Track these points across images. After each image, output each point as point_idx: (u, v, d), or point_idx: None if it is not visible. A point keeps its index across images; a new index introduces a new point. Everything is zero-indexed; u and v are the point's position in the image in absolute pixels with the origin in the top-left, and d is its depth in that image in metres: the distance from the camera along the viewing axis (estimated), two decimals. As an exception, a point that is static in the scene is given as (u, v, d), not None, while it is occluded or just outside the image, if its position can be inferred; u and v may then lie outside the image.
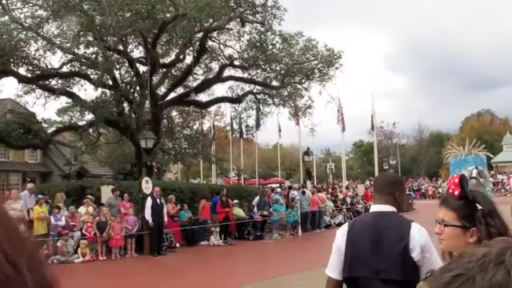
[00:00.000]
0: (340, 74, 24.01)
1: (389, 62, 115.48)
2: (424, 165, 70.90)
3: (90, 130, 23.57)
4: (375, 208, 3.13)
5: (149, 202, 15.36)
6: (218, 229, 17.80)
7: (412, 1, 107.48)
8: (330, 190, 28.31)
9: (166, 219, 15.82)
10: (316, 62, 23.49)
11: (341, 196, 27.15)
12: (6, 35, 18.25)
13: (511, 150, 62.23)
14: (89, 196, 15.82)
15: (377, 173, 35.99)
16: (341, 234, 3.09)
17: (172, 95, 24.02)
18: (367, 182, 35.50)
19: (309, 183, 29.41)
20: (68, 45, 20.26)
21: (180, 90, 24.55)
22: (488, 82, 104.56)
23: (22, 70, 20.91)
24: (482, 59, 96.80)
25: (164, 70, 23.33)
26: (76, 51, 20.33)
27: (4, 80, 21.05)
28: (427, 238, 2.88)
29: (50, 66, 21.29)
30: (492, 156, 36.43)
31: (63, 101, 23.22)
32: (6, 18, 19.11)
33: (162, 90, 23.93)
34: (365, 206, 25.30)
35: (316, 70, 23.67)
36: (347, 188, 33.96)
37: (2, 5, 19.36)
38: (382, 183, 3.23)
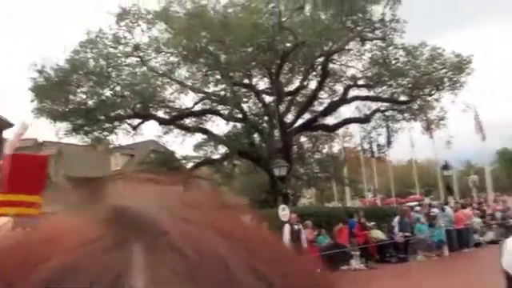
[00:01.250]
0: (473, 79, 22.55)
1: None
2: None
3: (225, 163, 24.69)
4: None
5: (287, 228, 15.53)
6: (358, 252, 17.38)
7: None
8: (475, 205, 26.30)
9: (305, 245, 15.85)
10: (445, 70, 22.37)
11: (489, 211, 25.04)
12: (145, 84, 20.07)
13: None
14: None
15: (528, 182, 32.79)
16: None
17: (299, 121, 24.34)
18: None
19: (451, 199, 27.72)
20: (198, 85, 21.73)
21: (307, 116, 24.78)
22: None
23: (160, 113, 22.80)
24: None
25: (289, 97, 23.79)
26: (206, 90, 21.71)
27: (146, 123, 23.05)
28: None
29: (184, 107, 22.89)
30: None
31: (198, 137, 24.72)
32: (144, 68, 21.07)
33: (289, 117, 24.36)
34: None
35: (445, 79, 22.53)
36: (495, 201, 31.28)
37: (139, 57, 21.40)
38: None
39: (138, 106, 21.08)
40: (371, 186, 40.25)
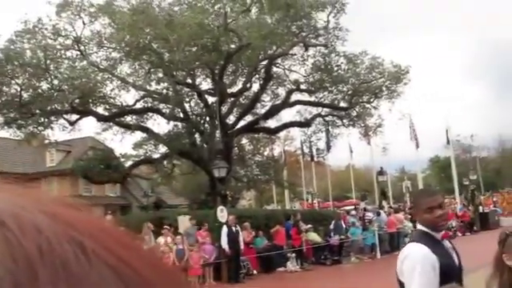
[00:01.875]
0: (409, 89, 23.46)
1: (464, 71, 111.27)
2: (509, 177, 66.94)
3: (165, 162, 24.40)
4: None
5: (224, 230, 15.57)
6: (294, 254, 17.67)
7: (488, 6, 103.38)
8: (407, 210, 27.39)
9: (242, 246, 15.94)
10: (383, 79, 23.12)
11: (420, 215, 26.16)
12: (85, 78, 19.48)
13: None
14: (166, 227, 16.24)
15: (456, 189, 34.54)
16: None
17: (241, 123, 24.44)
18: (446, 200, 34.00)
19: (385, 204, 28.71)
20: (140, 82, 21.35)
21: (249, 118, 24.92)
22: None
23: (100, 109, 22.22)
24: None
25: (232, 99, 23.84)
26: (148, 88, 21.37)
27: (84, 119, 22.40)
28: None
29: (124, 104, 22.43)
30: None
31: (138, 135, 24.30)
32: (85, 62, 20.46)
33: (231, 118, 24.41)
34: (446, 225, 24.17)
35: (384, 88, 23.29)
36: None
37: (80, 51, 20.77)
38: None
39: (77, 101, 20.42)
40: (310, 189, 41.01)
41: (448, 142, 35.55)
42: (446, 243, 3.13)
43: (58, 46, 20.78)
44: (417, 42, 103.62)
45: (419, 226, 3.19)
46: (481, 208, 32.66)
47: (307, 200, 39.38)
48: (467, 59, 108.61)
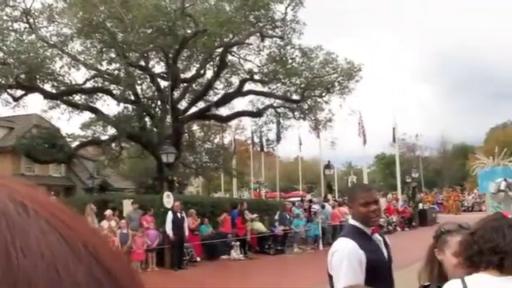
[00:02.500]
0: (360, 86, 23.97)
1: (412, 72, 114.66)
2: (448, 177, 69.83)
3: (113, 145, 23.94)
4: None
5: (170, 216, 15.49)
6: (238, 243, 17.82)
7: (436, 11, 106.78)
8: (349, 204, 28.12)
9: (186, 233, 15.92)
10: (336, 75, 23.48)
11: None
12: (32, 53, 18.77)
13: (538, 162, 60.94)
14: (110, 210, 15.96)
15: (399, 186, 35.68)
16: None
17: (193, 109, 24.29)
18: (389, 196, 35.11)
19: (330, 197, 29.34)
20: (91, 61, 20.77)
21: (201, 105, 24.79)
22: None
23: (47, 86, 21.47)
24: (507, 68, 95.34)
25: (185, 84, 23.62)
26: (99, 67, 20.81)
27: (30, 96, 21.60)
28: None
29: (74, 82, 21.79)
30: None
31: (87, 116, 23.71)
32: (33, 36, 19.69)
33: (183, 104, 24.20)
34: (387, 220, 25.03)
35: (336, 83, 23.65)
36: (369, 201, 33.63)
37: (29, 24, 19.96)
38: None
39: (23, 76, 19.64)
40: (260, 178, 41.35)
41: (394, 140, 36.61)
42: (376, 237, 3.25)
43: (5, 17, 19.93)
44: (370, 41, 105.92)
45: (351, 221, 3.30)
46: (420, 205, 33.98)
47: (256, 190, 39.70)
48: (417, 62, 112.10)
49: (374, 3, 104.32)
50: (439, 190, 50.33)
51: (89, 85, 22.12)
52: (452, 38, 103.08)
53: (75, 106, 22.42)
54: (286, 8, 21.72)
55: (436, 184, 64.45)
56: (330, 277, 3.10)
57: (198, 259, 16.52)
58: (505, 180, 30.69)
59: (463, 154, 66.03)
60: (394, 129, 35.60)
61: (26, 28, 20.19)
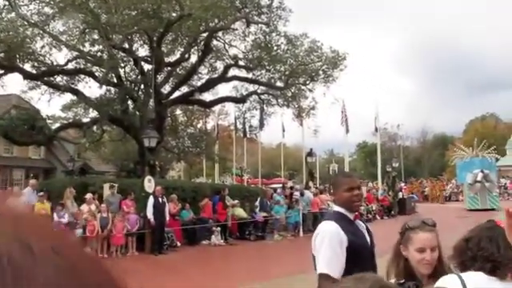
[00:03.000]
0: (344, 75, 24.02)
1: (395, 62, 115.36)
2: (427, 167, 70.79)
3: (94, 128, 23.68)
4: None
5: (151, 200, 15.42)
6: (219, 228, 17.85)
7: (419, 1, 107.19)
8: (331, 191, 28.29)
9: (167, 218, 15.89)
10: (321, 63, 23.49)
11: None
12: (12, 32, 18.36)
13: (515, 155, 62.17)
14: (90, 194, 15.82)
15: (379, 175, 36.07)
16: None
17: (176, 94, 24.11)
18: (370, 184, 35.48)
19: (311, 184, 29.51)
20: (74, 42, 20.40)
21: (184, 89, 24.62)
22: (493, 84, 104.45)
23: (27, 67, 21.04)
24: (488, 61, 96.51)
25: (169, 68, 23.40)
26: (81, 48, 20.45)
27: (10, 76, 21.18)
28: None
29: (55, 63, 21.41)
30: (499, 158, 36.38)
31: (68, 98, 23.36)
32: (13, 14, 19.24)
33: (166, 88, 24.00)
34: (366, 208, 25.30)
35: (320, 72, 23.68)
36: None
37: (9, 1, 19.47)
38: None
39: (2, 55, 19.23)
40: (243, 164, 41.40)
41: (376, 129, 36.89)
42: (359, 223, 3.35)
43: (-17, -6, 19.41)
44: (354, 31, 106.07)
45: (335, 207, 3.40)
46: (400, 194, 34.39)
47: (238, 175, 39.77)
48: (400, 52, 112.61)
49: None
50: (417, 180, 50.97)
51: (70, 66, 21.75)
52: (436, 28, 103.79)
53: (56, 88, 22.07)
54: (273, -6, 21.60)
55: (416, 173, 65.32)
56: (314, 258, 3.15)
57: (179, 244, 16.52)
58: (482, 171, 30.92)
59: (443, 145, 67.08)
60: (375, 118, 35.87)
61: (5, 5, 19.68)
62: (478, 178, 28.42)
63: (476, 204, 28.59)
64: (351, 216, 3.27)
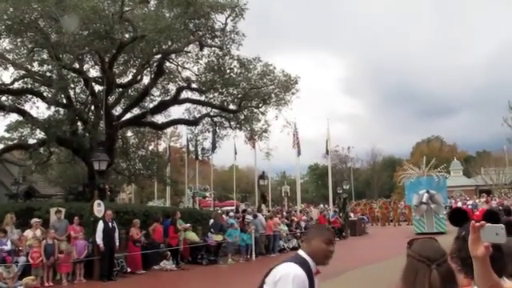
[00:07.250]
0: (296, 98, 24.35)
1: (345, 87, 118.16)
2: (377, 188, 72.50)
3: (41, 149, 22.89)
4: None
5: (100, 225, 15.01)
6: (170, 253, 17.55)
7: (368, 28, 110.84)
8: (284, 214, 28.45)
9: (117, 243, 15.47)
10: (273, 86, 23.76)
11: (295, 220, 27.28)
12: (-45, 49, 17.64)
13: (458, 176, 64.73)
14: (35, 219, 15.21)
15: (331, 196, 36.54)
16: None
17: (128, 116, 23.73)
18: (321, 206, 35.91)
19: (264, 207, 29.56)
20: (21, 61, 19.78)
21: (136, 111, 24.28)
22: (439, 109, 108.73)
23: (-30, 85, 20.19)
24: (434, 87, 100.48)
25: (120, 90, 23.05)
26: (29, 68, 19.86)
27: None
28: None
29: (0, 82, 20.65)
30: (448, 176, 37.31)
31: (13, 118, 22.53)
32: (-43, 31, 18.51)
33: (117, 110, 23.60)
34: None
35: (273, 95, 23.92)
36: (301, 212, 34.24)
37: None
38: None
39: None
40: (206, 185, 41.05)
41: (327, 151, 37.50)
42: (315, 278, 3.18)
43: None
44: (307, 56, 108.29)
45: (302, 253, 3.21)
46: (352, 215, 34.98)
47: (203, 197, 39.51)
48: (350, 77, 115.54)
49: (308, 19, 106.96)
50: (368, 201, 52.06)
51: (17, 85, 21.04)
52: (385, 54, 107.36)
53: (1, 107, 21.28)
54: (227, 19, 21.72)
55: (365, 195, 66.68)
56: None
57: (129, 270, 16.09)
58: (427, 192, 30.04)
59: (392, 167, 68.90)
60: (327, 141, 36.48)
61: None
62: (424, 200, 26.66)
63: (422, 227, 26.97)
64: (314, 269, 3.14)
